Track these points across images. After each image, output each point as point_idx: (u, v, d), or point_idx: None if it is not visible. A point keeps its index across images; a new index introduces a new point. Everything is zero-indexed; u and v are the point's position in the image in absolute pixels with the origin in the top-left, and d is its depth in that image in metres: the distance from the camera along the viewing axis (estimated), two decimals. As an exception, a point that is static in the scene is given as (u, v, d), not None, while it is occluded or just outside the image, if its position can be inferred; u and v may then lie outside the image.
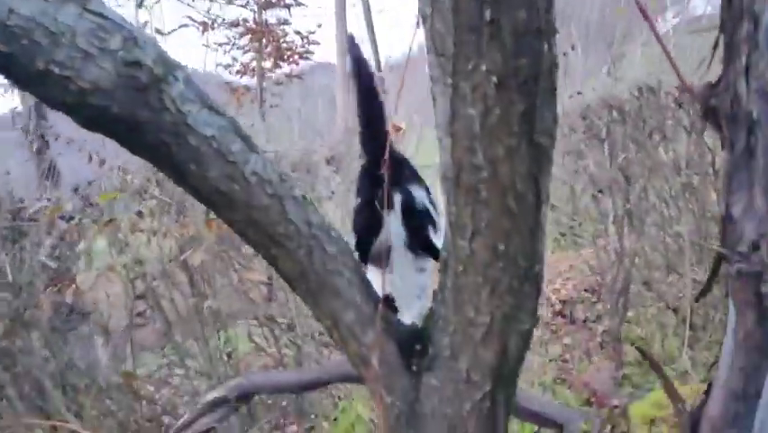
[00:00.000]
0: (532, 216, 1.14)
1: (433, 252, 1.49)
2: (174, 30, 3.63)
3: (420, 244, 1.50)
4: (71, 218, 2.80)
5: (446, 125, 1.08)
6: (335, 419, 3.21)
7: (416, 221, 1.47)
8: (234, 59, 4.51)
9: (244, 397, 1.90)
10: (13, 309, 2.96)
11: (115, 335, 3.80)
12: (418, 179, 1.51)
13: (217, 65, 4.51)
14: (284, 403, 3.42)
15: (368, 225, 1.43)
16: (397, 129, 3.01)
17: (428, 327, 1.42)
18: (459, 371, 1.31)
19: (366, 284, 1.35)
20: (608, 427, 3.06)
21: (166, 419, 3.44)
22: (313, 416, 3.28)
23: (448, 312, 1.29)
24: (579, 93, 7.29)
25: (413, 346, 1.43)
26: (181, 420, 1.98)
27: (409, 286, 1.54)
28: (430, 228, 1.51)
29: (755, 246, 0.98)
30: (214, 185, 1.06)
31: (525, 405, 1.67)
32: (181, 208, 2.99)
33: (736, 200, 0.98)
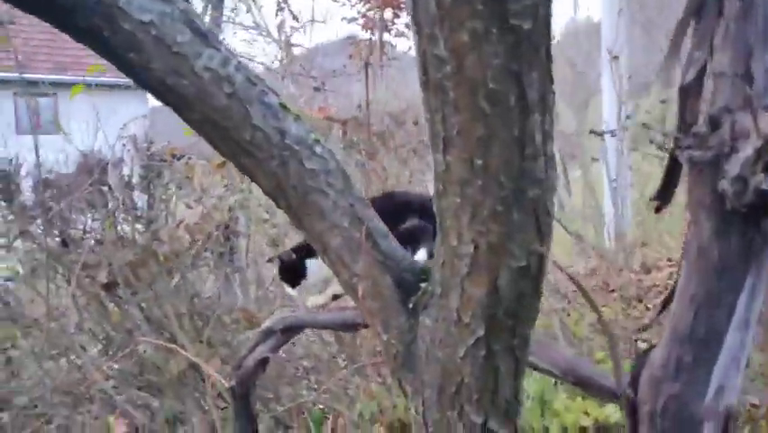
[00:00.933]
0: (515, 123, 0.93)
1: None
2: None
3: None
4: (182, 157, 2.97)
5: (412, 11, 0.91)
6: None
7: None
8: (359, 12, 4.42)
9: (289, 330, 1.87)
10: (144, 241, 3.20)
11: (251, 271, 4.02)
12: None
13: (342, 19, 4.47)
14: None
15: None
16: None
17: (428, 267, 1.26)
18: (450, 310, 1.13)
19: (358, 209, 1.21)
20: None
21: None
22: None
23: (438, 241, 1.12)
24: None
25: (418, 283, 1.28)
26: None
27: None
28: None
29: (714, 123, 0.67)
30: (159, 77, 1.00)
31: (569, 367, 1.43)
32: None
33: (695, 59, 0.67)
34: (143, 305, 3.31)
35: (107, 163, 2.95)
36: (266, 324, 1.88)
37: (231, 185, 3.07)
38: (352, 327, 1.83)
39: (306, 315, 1.79)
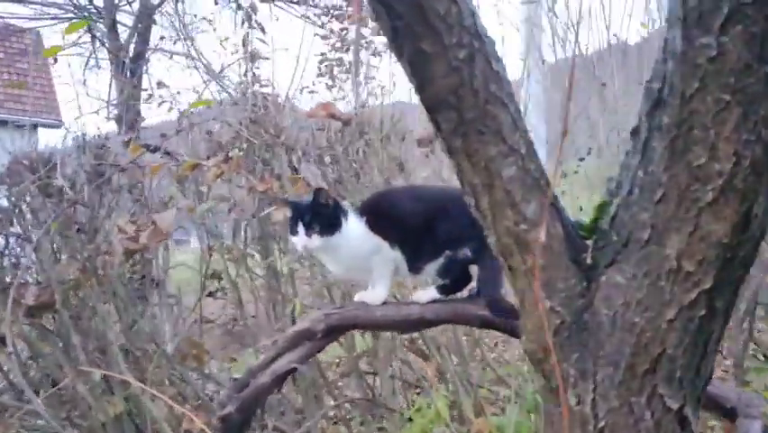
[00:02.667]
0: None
1: None
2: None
3: None
4: (157, 148, 2.54)
5: None
6: (410, 420, 2.75)
7: None
8: (332, 30, 4.15)
9: (333, 331, 1.51)
10: (85, 255, 2.67)
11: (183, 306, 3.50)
12: None
13: (314, 35, 4.18)
14: (354, 394, 3.00)
15: None
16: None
17: (601, 217, 1.01)
18: (662, 259, 0.88)
19: (530, 139, 0.95)
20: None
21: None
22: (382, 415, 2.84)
23: (655, 171, 0.87)
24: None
25: (582, 240, 1.02)
26: (260, 360, 1.61)
27: None
28: None
29: None
30: None
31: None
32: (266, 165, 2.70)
33: None
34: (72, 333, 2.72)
35: (51, 164, 2.45)
36: (299, 325, 1.51)
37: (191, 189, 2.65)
38: (416, 325, 1.50)
39: (361, 310, 1.45)
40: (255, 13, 3.13)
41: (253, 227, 2.67)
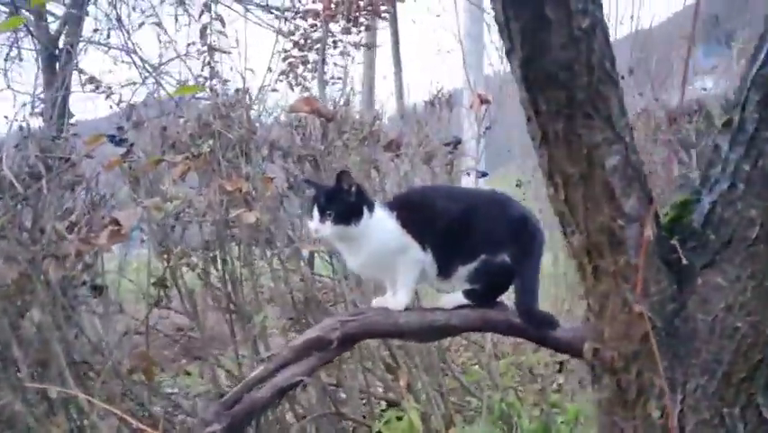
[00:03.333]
0: None
1: None
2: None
3: None
4: (122, 140, 2.28)
5: None
6: (378, 433, 2.62)
7: None
8: (296, 27, 3.85)
9: (348, 340, 1.37)
10: (28, 259, 2.38)
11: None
12: None
13: (277, 32, 3.83)
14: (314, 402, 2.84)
15: None
16: (485, 101, 2.59)
17: (684, 216, 0.94)
18: (773, 258, 0.82)
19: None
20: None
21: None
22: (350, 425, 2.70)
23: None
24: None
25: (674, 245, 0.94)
26: (256, 371, 1.44)
27: None
28: None
29: None
30: None
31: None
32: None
33: None
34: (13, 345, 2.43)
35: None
36: (309, 334, 1.35)
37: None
38: (441, 331, 1.38)
39: (381, 316, 1.31)
40: (215, 4, 2.94)
41: (218, 230, 2.46)
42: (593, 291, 0.93)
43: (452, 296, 1.34)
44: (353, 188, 1.30)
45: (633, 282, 0.88)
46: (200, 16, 3.04)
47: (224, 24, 3.07)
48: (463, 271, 1.30)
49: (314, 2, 3.14)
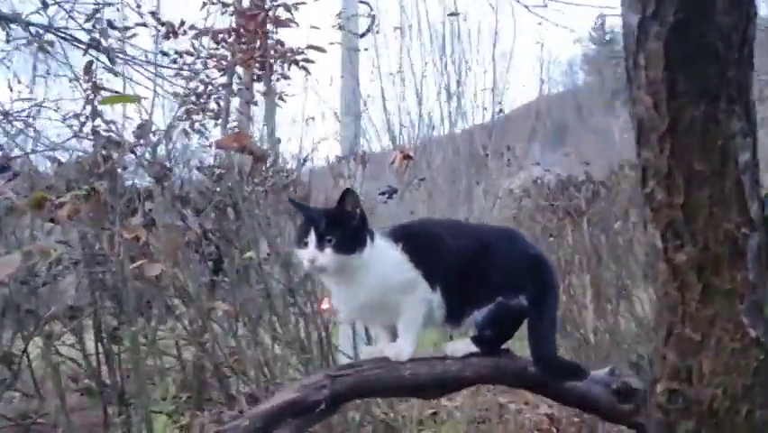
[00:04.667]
0: None
1: None
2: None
3: None
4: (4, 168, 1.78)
5: None
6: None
7: None
8: (196, 72, 3.40)
9: (339, 401, 1.09)
10: None
11: None
12: None
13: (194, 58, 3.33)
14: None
15: None
16: (407, 157, 2.49)
17: None
18: None
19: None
20: None
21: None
22: None
23: None
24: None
25: None
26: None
27: None
28: None
29: None
30: None
31: None
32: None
33: None
34: None
35: None
36: (283, 396, 1.06)
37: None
38: (452, 385, 1.15)
39: (383, 368, 1.05)
40: (106, 40, 2.59)
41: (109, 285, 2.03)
42: (695, 317, 0.79)
43: (460, 342, 1.13)
44: (358, 212, 1.08)
45: (749, 304, 0.76)
46: (84, 52, 2.68)
47: (112, 62, 2.73)
48: (477, 315, 1.11)
49: (218, 48, 2.92)
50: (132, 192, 2.12)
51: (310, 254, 1.04)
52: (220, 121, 2.58)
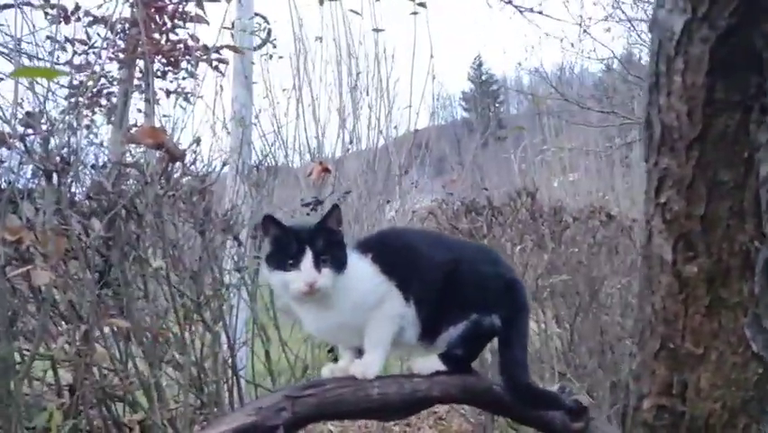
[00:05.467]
0: None
1: None
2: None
3: None
4: None
5: None
6: None
7: None
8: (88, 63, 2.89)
9: (299, 425, 0.96)
10: None
11: None
12: None
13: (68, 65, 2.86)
14: None
15: None
16: (325, 170, 2.38)
17: None
18: None
19: None
20: None
21: None
22: None
23: None
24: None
25: None
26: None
27: None
28: None
29: None
30: None
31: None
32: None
33: None
34: None
35: None
36: (234, 420, 0.92)
37: None
38: (420, 405, 1.05)
39: (349, 387, 0.94)
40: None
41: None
42: (698, 331, 0.78)
43: (428, 360, 1.05)
44: (340, 227, 0.99)
45: (752, 317, 0.76)
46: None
47: None
48: (450, 334, 1.04)
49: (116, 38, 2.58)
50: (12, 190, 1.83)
51: (309, 276, 0.94)
52: (113, 119, 2.31)
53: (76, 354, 1.75)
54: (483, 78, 21.69)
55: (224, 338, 2.05)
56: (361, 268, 1.00)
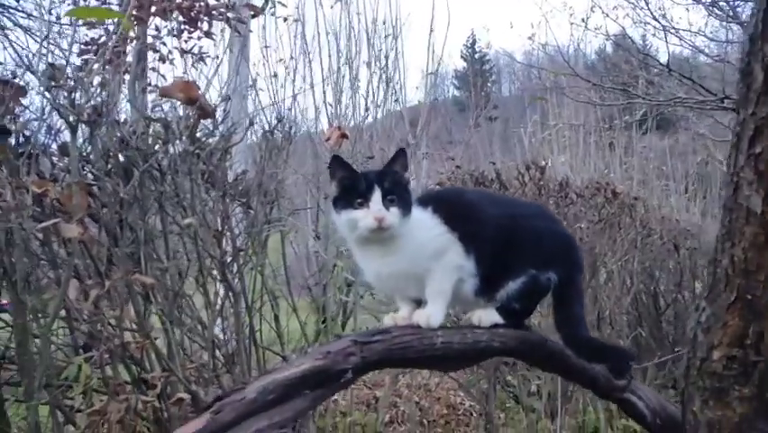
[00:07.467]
0: None
1: None
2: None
3: None
4: None
5: None
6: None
7: None
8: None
9: (367, 369, 0.96)
10: None
11: None
12: None
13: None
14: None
15: None
16: (343, 135, 2.36)
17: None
18: None
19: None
20: None
21: None
22: None
23: None
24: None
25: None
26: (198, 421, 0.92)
27: None
28: None
29: None
30: None
31: None
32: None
33: None
34: None
35: None
36: (307, 361, 0.92)
37: None
38: (481, 355, 1.06)
39: (415, 335, 0.94)
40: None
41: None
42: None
43: (486, 312, 1.06)
44: (406, 171, 1.00)
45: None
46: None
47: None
48: (511, 286, 1.05)
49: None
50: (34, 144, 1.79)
51: (378, 213, 0.94)
52: (127, 77, 2.25)
53: (96, 310, 1.73)
54: (476, 56, 21.56)
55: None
56: (423, 217, 1.01)
